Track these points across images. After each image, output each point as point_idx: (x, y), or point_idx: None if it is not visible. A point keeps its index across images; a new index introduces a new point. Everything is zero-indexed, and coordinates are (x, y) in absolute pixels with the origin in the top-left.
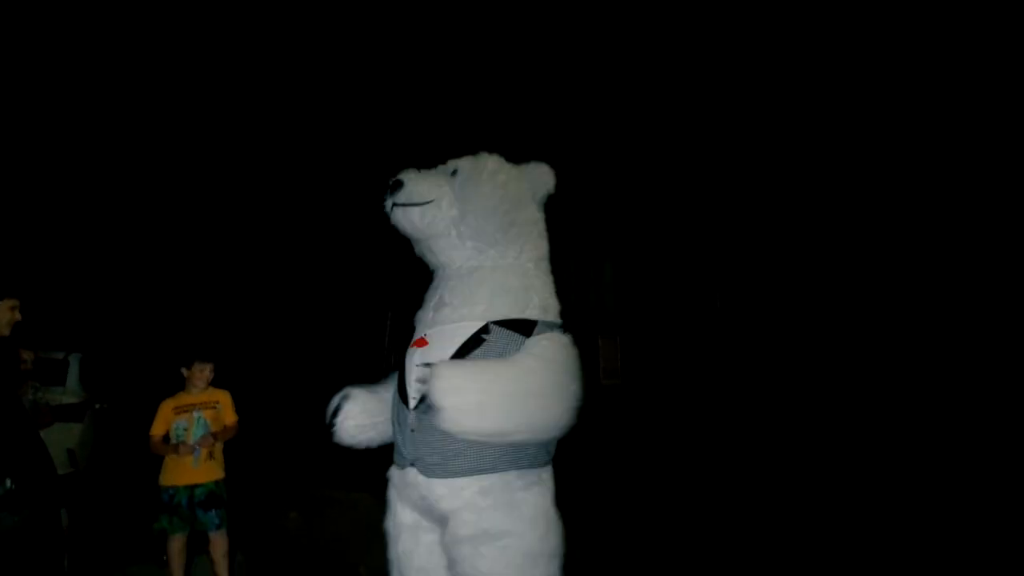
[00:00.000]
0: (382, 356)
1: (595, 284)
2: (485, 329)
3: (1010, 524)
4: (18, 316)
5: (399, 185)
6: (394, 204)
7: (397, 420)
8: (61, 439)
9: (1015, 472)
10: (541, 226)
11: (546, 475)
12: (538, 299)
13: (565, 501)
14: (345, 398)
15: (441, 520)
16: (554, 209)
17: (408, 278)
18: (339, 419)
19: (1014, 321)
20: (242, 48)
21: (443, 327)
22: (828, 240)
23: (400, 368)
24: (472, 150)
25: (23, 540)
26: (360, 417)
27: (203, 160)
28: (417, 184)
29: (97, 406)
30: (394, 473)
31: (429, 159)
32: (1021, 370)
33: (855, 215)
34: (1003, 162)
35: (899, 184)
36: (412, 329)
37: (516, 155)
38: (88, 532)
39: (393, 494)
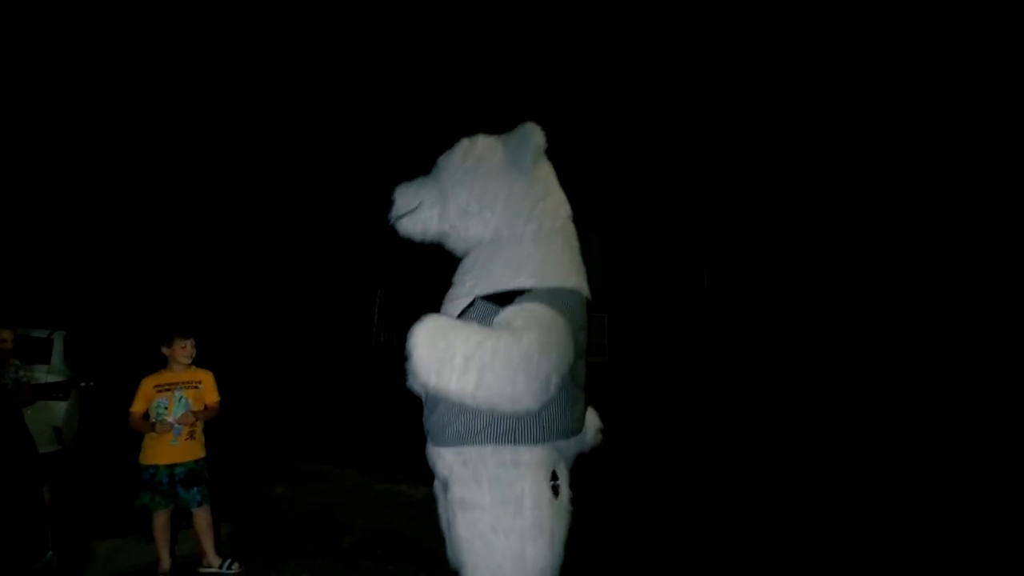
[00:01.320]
0: (370, 333)
1: (583, 260)
2: (472, 304)
3: (998, 518)
4: None
5: (392, 201)
6: (393, 220)
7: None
8: (46, 417)
9: (1000, 463)
10: (540, 188)
11: (529, 456)
12: (533, 265)
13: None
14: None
15: (444, 485)
16: None
17: (397, 257)
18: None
19: (995, 309)
20: (228, 39)
21: (449, 304)
22: (816, 219)
23: None
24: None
25: (4, 518)
26: None
27: (186, 140)
28: (401, 195)
29: (82, 384)
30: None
31: (425, 151)
32: (1000, 360)
33: (841, 195)
34: (981, 155)
35: (883, 165)
36: (406, 308)
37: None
38: (75, 507)
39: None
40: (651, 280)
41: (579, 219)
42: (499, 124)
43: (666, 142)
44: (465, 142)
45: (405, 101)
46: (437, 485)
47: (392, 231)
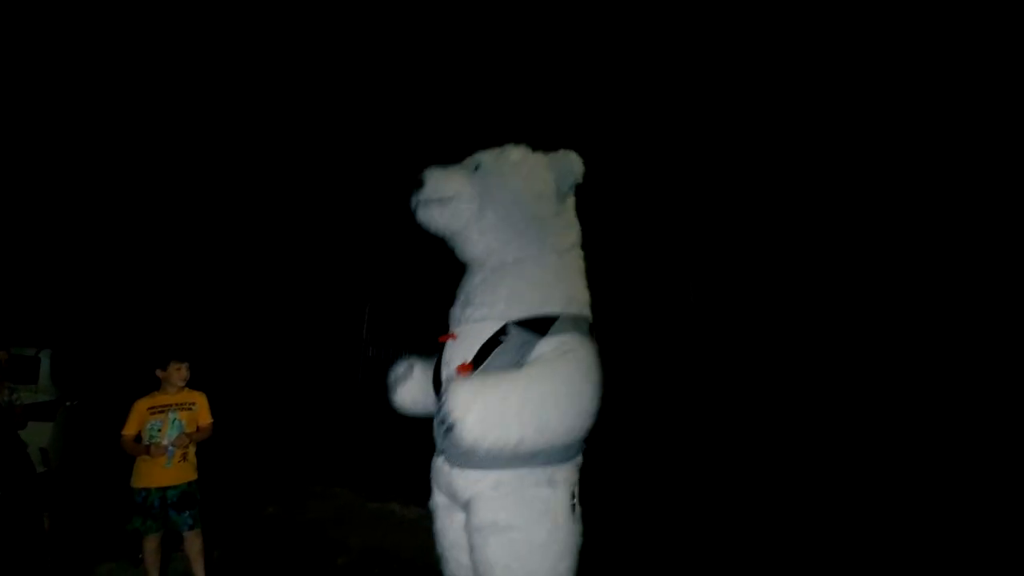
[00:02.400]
0: (360, 350)
1: None
2: (504, 330)
3: (988, 521)
4: None
5: (421, 183)
6: (418, 201)
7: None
8: (34, 438)
9: (985, 468)
10: (569, 215)
11: (563, 474)
12: (561, 292)
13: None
14: (408, 368)
15: (464, 507)
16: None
17: (386, 271)
18: (399, 388)
19: (981, 309)
20: (225, 41)
21: (470, 325)
22: (805, 235)
23: (436, 360)
24: (465, 144)
25: (5, 542)
26: (415, 390)
27: (177, 156)
28: (438, 181)
29: (68, 403)
30: (434, 459)
31: (431, 155)
32: (986, 363)
33: (829, 209)
34: (967, 152)
35: (871, 182)
36: (395, 322)
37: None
38: (62, 531)
39: (432, 477)
40: (636, 296)
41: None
42: (485, 133)
43: (651, 157)
44: (516, 153)
45: (394, 118)
46: (439, 503)
47: (378, 243)
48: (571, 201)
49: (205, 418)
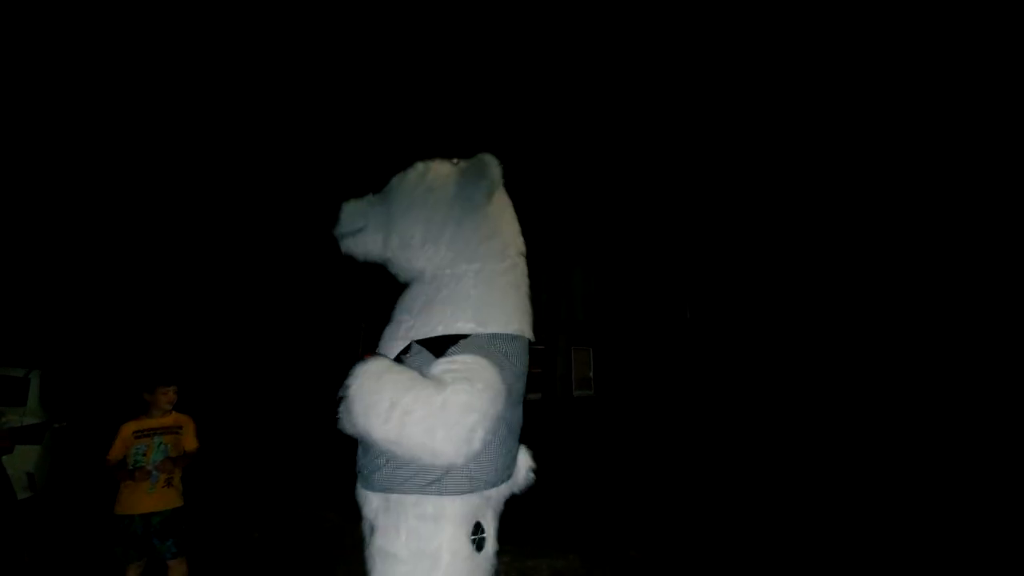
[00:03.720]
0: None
1: (567, 294)
2: (408, 348)
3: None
4: None
5: (338, 217)
6: (337, 236)
7: None
8: (20, 463)
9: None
10: (488, 226)
11: (454, 509)
12: (471, 311)
13: (540, 512)
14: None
15: (371, 528)
16: (525, 222)
17: (380, 289)
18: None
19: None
20: (228, 60)
21: (387, 343)
22: (798, 251)
23: None
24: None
25: None
26: None
27: (172, 178)
28: (347, 212)
29: (56, 425)
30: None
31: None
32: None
33: (821, 228)
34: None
35: (872, 196)
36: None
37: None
38: (46, 557)
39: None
40: (636, 313)
41: (563, 253)
42: (475, 146)
43: (649, 177)
44: (420, 167)
45: (391, 133)
46: (365, 527)
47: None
48: (498, 208)
49: (191, 443)
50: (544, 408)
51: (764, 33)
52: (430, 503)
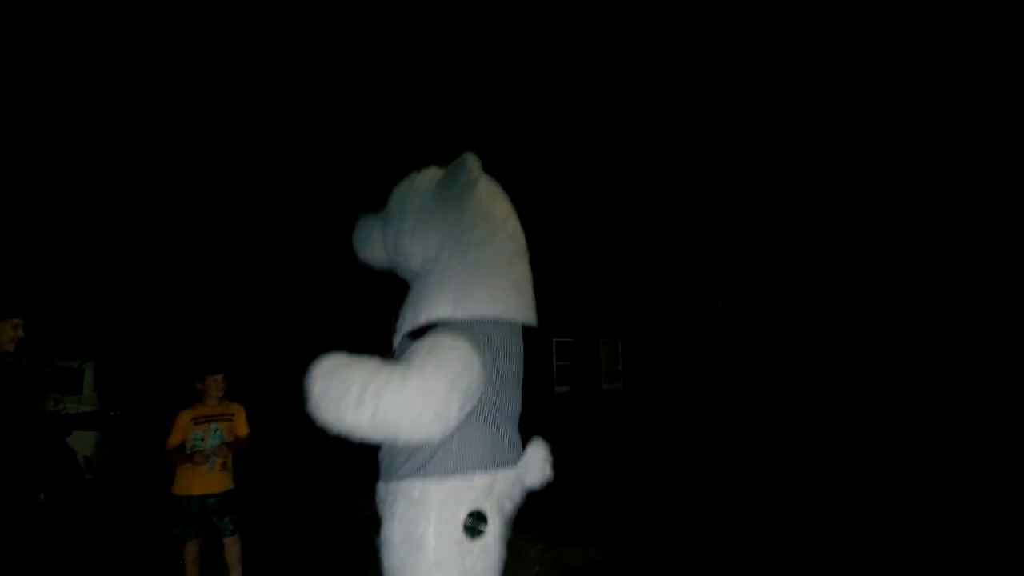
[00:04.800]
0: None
1: (595, 287)
2: (401, 342)
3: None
4: (21, 334)
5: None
6: (354, 249)
7: None
8: (78, 447)
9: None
10: (468, 218)
11: (438, 492)
12: (450, 296)
13: (567, 505)
14: None
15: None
16: (556, 215)
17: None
18: None
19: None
20: (252, 66)
21: (395, 339)
22: (829, 242)
23: None
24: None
25: (57, 549)
26: None
27: (217, 176)
28: (359, 227)
29: (111, 413)
30: None
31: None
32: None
33: (854, 218)
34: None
35: (899, 189)
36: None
37: (515, 162)
38: (110, 534)
39: None
40: (666, 306)
41: (593, 247)
42: (501, 151)
43: (680, 170)
44: (412, 175)
45: (422, 141)
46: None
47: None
48: (479, 201)
49: (243, 429)
50: (573, 400)
51: (798, 27)
52: (416, 488)
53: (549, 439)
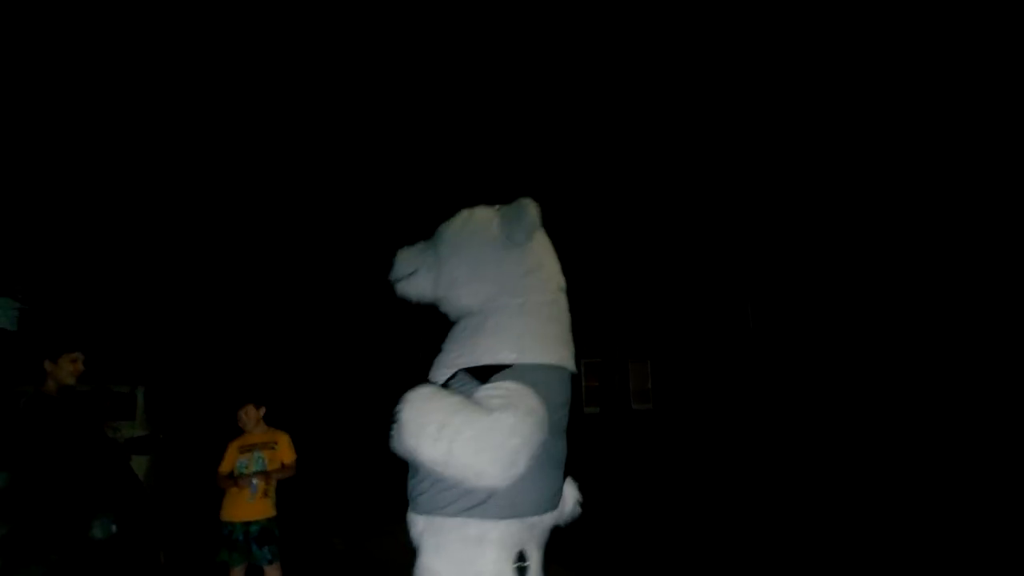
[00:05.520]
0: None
1: (624, 306)
2: (454, 375)
3: None
4: (81, 367)
5: (393, 263)
6: (392, 281)
7: None
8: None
9: None
10: (531, 262)
11: (497, 533)
12: (514, 341)
13: (598, 528)
14: None
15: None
16: (581, 234)
17: (440, 317)
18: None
19: None
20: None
21: (436, 371)
22: (868, 256)
23: None
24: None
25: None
26: None
27: (264, 210)
28: (401, 259)
29: (160, 436)
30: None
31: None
32: None
33: (890, 232)
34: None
35: (943, 204)
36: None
37: (541, 181)
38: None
39: None
40: (695, 324)
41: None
42: (527, 168)
43: (708, 185)
44: (464, 213)
45: (452, 171)
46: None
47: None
48: (538, 245)
49: (287, 456)
50: (603, 422)
51: (840, 40)
52: (473, 526)
53: (580, 461)
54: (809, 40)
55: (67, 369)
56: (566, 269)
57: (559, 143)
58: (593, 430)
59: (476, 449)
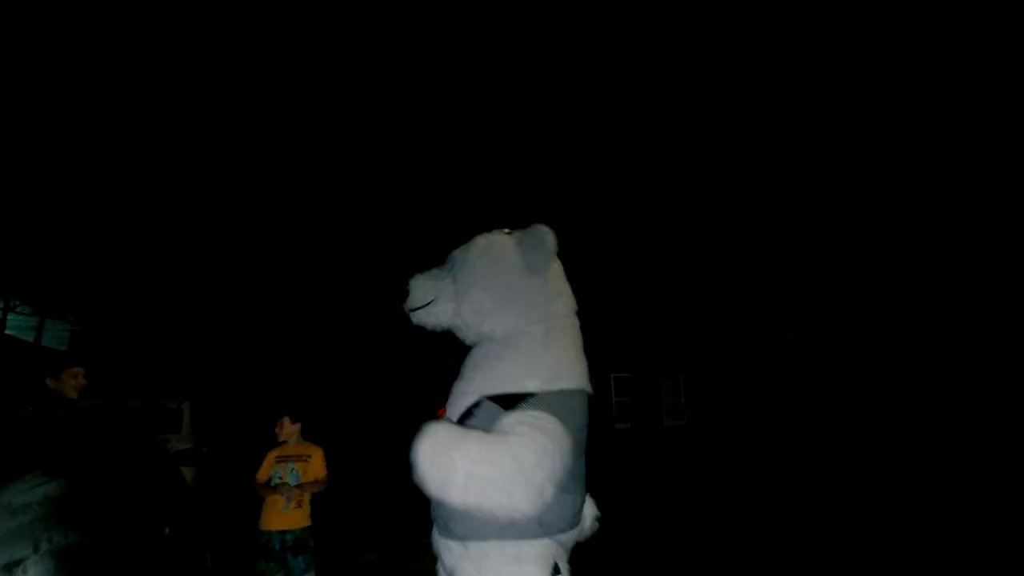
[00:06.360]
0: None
1: (655, 321)
2: (478, 403)
3: None
4: (83, 382)
5: (407, 292)
6: (407, 310)
7: None
8: None
9: None
10: (551, 289)
11: (533, 551)
12: (539, 367)
13: (628, 544)
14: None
15: (451, 574)
16: (613, 247)
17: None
18: None
19: None
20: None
21: (456, 398)
22: (904, 270)
23: None
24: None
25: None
26: None
27: (301, 235)
28: (417, 288)
29: (204, 449)
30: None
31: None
32: None
33: (932, 245)
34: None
35: (976, 219)
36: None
37: (572, 194)
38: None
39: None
40: (731, 338)
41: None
42: (557, 182)
43: (741, 197)
44: (481, 241)
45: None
46: (440, 572)
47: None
48: (555, 272)
49: (319, 471)
50: (634, 438)
51: (869, 64)
52: (510, 547)
53: (610, 477)
54: (870, 67)
55: (69, 384)
56: (599, 286)
57: (590, 157)
58: (624, 446)
59: (506, 490)
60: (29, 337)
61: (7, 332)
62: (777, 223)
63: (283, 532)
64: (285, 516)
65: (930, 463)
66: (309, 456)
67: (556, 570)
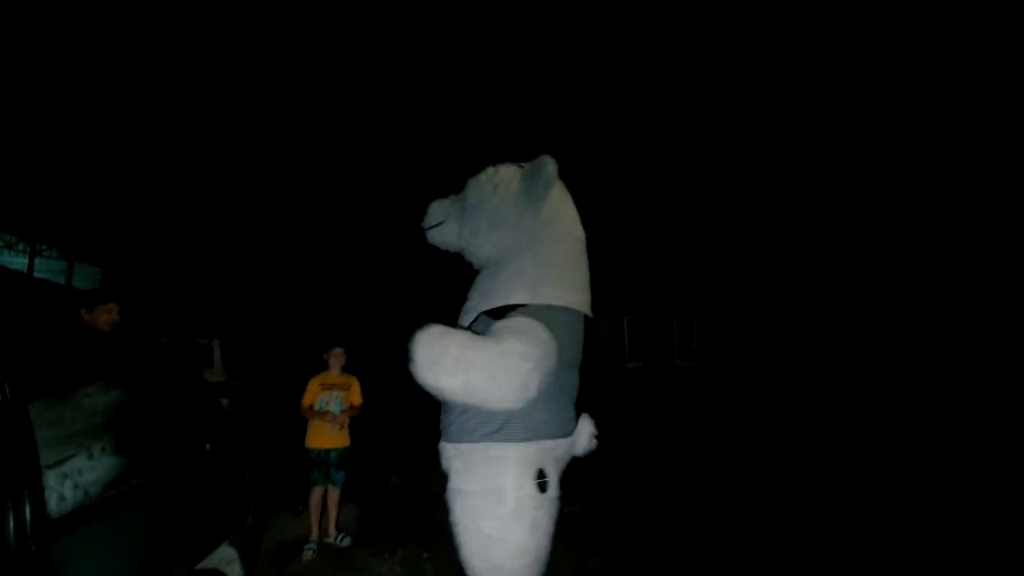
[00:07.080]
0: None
1: (671, 265)
2: (476, 319)
3: None
4: (116, 318)
5: (426, 212)
6: (423, 229)
7: None
8: None
9: None
10: (547, 215)
11: (513, 453)
12: (527, 285)
13: (640, 482)
14: None
15: (447, 474)
16: (627, 190)
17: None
18: None
19: None
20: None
21: (463, 317)
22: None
23: None
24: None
25: (219, 488)
26: None
27: (321, 179)
28: (432, 209)
29: (236, 383)
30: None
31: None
32: None
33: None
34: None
35: (973, 199)
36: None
37: (587, 137)
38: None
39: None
40: (742, 281)
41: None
42: (573, 125)
43: (753, 140)
44: (489, 169)
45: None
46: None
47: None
48: (556, 200)
49: (358, 399)
50: (645, 376)
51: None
52: (494, 448)
53: (621, 414)
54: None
55: (103, 318)
56: (612, 228)
57: (610, 102)
58: (636, 384)
59: (490, 374)
60: (60, 280)
61: (36, 275)
62: (791, 166)
63: (330, 450)
64: (332, 437)
65: (945, 410)
66: (350, 385)
67: (541, 475)
